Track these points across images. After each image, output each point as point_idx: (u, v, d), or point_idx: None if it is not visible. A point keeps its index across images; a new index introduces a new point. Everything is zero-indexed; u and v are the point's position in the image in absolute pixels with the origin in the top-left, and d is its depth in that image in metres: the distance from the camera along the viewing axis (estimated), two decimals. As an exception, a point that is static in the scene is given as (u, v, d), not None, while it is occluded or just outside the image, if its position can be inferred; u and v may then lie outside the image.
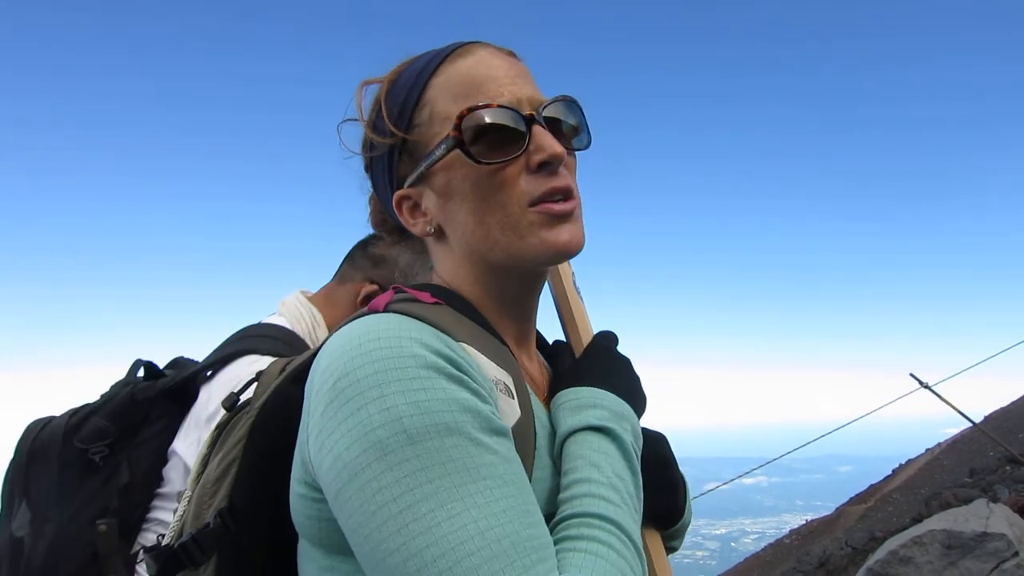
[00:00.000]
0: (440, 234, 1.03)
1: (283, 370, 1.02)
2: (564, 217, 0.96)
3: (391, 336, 0.82)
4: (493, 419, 0.82)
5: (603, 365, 1.07)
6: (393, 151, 1.02)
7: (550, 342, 1.18)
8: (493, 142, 0.94)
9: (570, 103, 1.02)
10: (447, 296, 0.99)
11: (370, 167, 1.09)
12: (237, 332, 2.02)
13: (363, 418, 0.77)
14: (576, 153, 1.04)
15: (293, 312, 2.10)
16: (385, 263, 2.15)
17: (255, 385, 1.05)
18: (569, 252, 0.97)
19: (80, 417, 1.76)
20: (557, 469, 0.93)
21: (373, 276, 2.17)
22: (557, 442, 0.95)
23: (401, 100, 1.01)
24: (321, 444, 0.80)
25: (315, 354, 0.95)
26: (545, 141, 0.95)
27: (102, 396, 1.84)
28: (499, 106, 0.95)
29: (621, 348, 1.14)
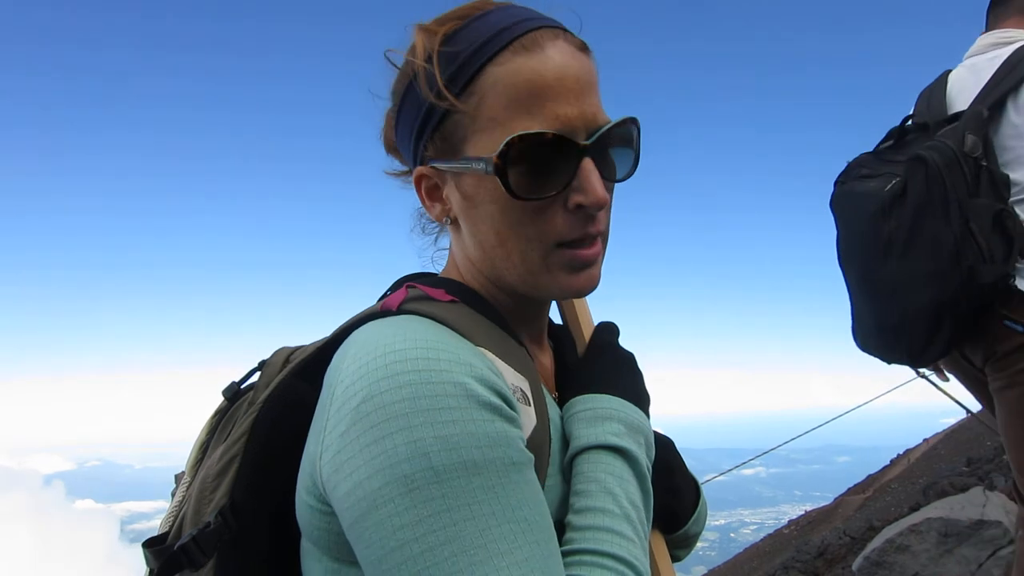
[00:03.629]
0: (457, 226, 0.98)
1: (287, 361, 0.99)
2: (588, 264, 0.92)
3: (421, 357, 0.77)
4: (522, 449, 0.79)
5: (611, 364, 1.04)
6: (431, 114, 0.92)
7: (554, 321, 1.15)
8: (535, 172, 0.87)
9: (629, 126, 0.94)
10: (463, 293, 0.96)
11: (401, 108, 0.98)
12: None
13: (388, 448, 0.73)
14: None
15: None
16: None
17: (257, 375, 1.02)
18: (582, 295, 0.95)
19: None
20: (568, 477, 0.92)
21: None
22: (569, 454, 0.93)
23: (455, 68, 0.90)
24: (338, 467, 0.76)
25: (322, 347, 0.93)
26: (590, 184, 0.87)
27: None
28: (553, 136, 0.86)
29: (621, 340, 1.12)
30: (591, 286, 0.94)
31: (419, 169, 0.98)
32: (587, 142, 0.88)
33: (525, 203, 0.88)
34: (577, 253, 0.91)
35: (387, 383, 0.76)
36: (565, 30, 0.94)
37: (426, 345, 0.79)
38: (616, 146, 0.93)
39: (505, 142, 0.85)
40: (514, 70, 0.87)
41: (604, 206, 0.89)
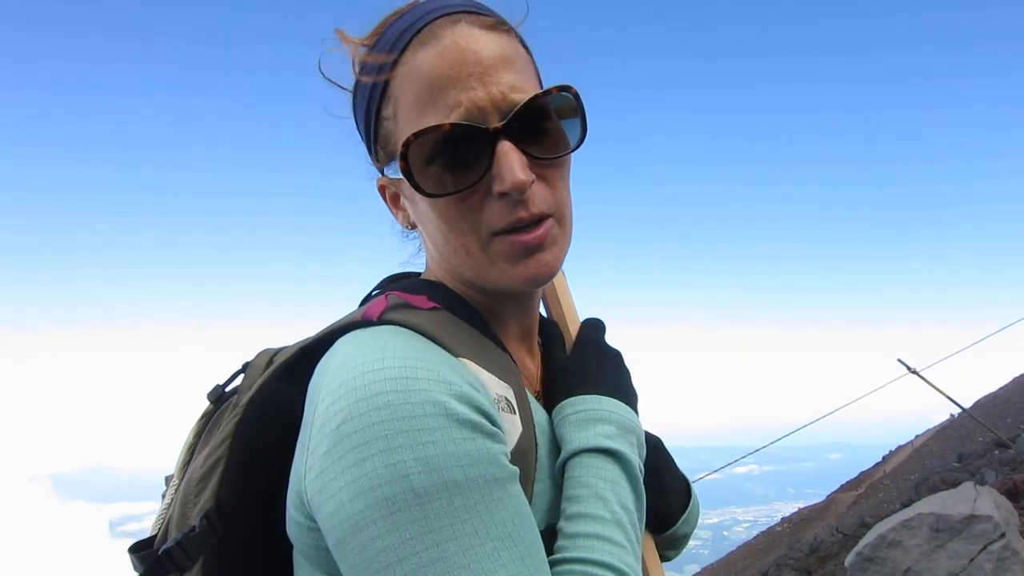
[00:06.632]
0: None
1: (269, 363, 0.97)
2: (534, 249, 0.88)
3: (399, 376, 0.76)
4: (504, 465, 0.78)
5: (599, 363, 1.03)
6: (368, 126, 0.95)
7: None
8: (447, 166, 0.85)
9: (557, 96, 0.89)
10: (445, 298, 0.94)
11: (357, 124, 1.00)
12: None
13: (368, 471, 0.73)
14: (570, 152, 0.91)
15: None
16: None
17: (241, 377, 1.00)
18: (536, 285, 0.91)
19: None
20: (558, 481, 0.91)
21: None
22: (562, 457, 0.92)
23: (369, 88, 0.93)
24: (321, 487, 0.76)
25: (304, 348, 0.92)
26: (505, 169, 0.83)
27: None
28: (452, 126, 0.83)
29: (608, 338, 1.10)
30: (542, 273, 0.89)
31: (378, 180, 0.99)
32: (500, 124, 0.85)
33: (448, 198, 0.86)
34: (516, 239, 0.87)
35: (365, 404, 0.75)
36: (472, 12, 0.90)
37: (404, 364, 0.78)
38: (549, 119, 0.88)
39: (402, 143, 0.85)
40: (414, 67, 0.87)
41: (523, 189, 0.84)
